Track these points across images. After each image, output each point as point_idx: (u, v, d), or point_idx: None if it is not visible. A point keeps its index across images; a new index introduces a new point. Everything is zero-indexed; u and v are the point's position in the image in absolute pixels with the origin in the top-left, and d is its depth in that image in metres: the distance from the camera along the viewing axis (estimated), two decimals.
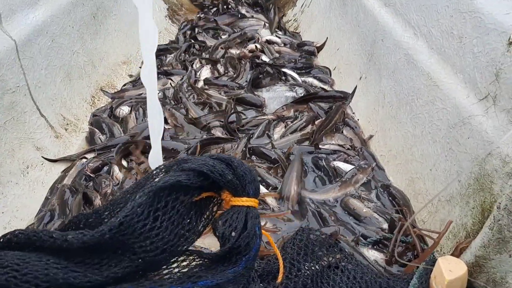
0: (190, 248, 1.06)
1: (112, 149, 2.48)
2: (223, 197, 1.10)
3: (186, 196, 1.04)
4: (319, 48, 3.78)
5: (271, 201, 2.11)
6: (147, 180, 1.09)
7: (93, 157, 2.42)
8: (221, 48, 3.80)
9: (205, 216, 1.11)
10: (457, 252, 1.59)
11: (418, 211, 1.91)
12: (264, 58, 3.67)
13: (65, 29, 2.80)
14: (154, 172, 1.10)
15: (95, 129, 2.70)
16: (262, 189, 2.16)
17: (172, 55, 3.72)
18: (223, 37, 4.12)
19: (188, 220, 1.05)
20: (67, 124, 2.63)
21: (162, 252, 0.99)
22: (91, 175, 2.30)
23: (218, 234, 1.06)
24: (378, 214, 2.05)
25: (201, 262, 1.09)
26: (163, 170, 1.10)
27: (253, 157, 2.52)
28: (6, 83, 2.20)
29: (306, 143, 2.64)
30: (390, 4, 2.72)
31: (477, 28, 1.83)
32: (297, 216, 2.09)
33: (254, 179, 1.11)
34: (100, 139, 2.63)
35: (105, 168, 2.39)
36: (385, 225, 1.99)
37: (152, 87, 0.95)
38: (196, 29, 4.25)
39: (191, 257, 1.10)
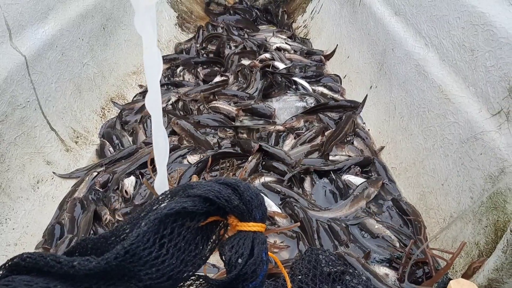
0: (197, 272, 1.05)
1: (123, 160, 2.51)
2: (230, 222, 1.09)
3: (192, 222, 1.03)
4: (329, 56, 3.75)
5: (279, 219, 2.08)
6: (153, 205, 1.08)
7: (102, 171, 2.43)
8: (233, 58, 3.78)
9: (211, 240, 1.10)
10: (470, 271, 1.55)
11: (430, 240, 1.87)
12: (277, 64, 3.64)
13: (75, 42, 2.81)
14: (160, 197, 1.09)
15: (105, 141, 2.70)
16: (273, 206, 2.14)
17: (182, 67, 3.71)
18: (233, 46, 4.11)
19: (195, 246, 1.04)
20: (77, 137, 2.63)
21: (168, 279, 0.98)
22: (100, 189, 2.31)
23: (225, 260, 1.05)
24: (391, 231, 2.01)
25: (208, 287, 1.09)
26: (169, 195, 1.09)
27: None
28: (16, 99, 2.20)
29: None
30: (401, 13, 2.68)
31: (490, 42, 1.79)
32: None
33: (261, 203, 1.09)
34: (110, 151, 2.63)
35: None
36: (398, 244, 1.96)
37: (157, 114, 0.94)
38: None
39: (197, 282, 1.09)
